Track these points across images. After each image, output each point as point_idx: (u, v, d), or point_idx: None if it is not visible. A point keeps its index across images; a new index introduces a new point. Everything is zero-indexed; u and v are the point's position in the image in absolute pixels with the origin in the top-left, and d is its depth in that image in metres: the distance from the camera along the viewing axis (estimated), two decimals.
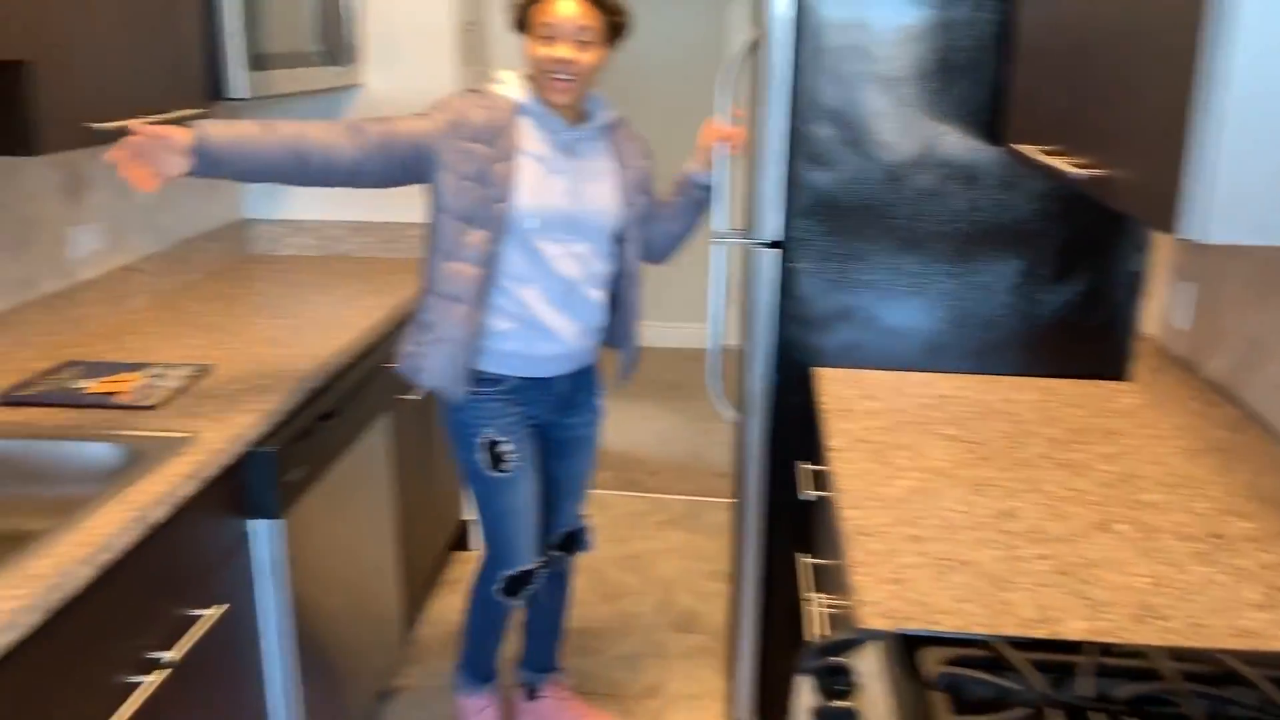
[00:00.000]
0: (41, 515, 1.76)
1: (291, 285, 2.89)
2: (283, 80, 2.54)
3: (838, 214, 2.17)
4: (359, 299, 2.74)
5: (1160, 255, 2.08)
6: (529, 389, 2.23)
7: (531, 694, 2.57)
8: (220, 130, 1.88)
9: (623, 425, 4.55)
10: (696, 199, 2.27)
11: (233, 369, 2.16)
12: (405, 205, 3.17)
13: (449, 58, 3.08)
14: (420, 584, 2.96)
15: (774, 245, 2.19)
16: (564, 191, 2.10)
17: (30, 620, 1.32)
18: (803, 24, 2.08)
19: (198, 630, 1.70)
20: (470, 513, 3.39)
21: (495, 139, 2.06)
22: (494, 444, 2.20)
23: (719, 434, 4.48)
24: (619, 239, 2.22)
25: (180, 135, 1.83)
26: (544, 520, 2.39)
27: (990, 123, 2.10)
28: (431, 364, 2.15)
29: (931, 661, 1.16)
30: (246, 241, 3.23)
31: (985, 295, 2.19)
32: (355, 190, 2.91)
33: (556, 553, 2.46)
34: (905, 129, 2.12)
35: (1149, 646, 1.18)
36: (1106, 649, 1.18)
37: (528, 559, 2.30)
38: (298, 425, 2.05)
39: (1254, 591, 1.35)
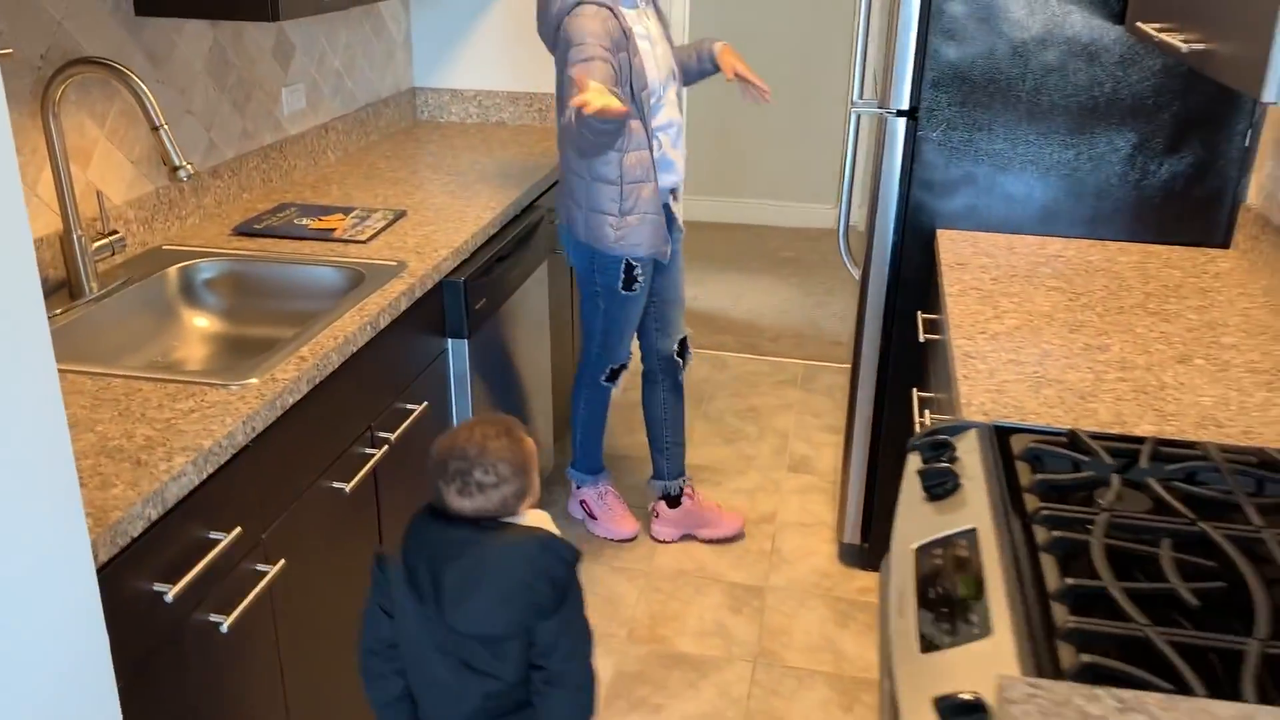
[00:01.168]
0: (286, 324, 2.15)
1: (458, 148, 3.22)
2: None
3: (965, 86, 2.37)
4: (519, 161, 3.05)
5: (1268, 132, 2.23)
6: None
7: (673, 501, 2.96)
8: None
9: (745, 296, 4.83)
10: (703, 72, 2.77)
11: (422, 215, 2.51)
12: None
13: None
14: (564, 410, 3.33)
15: (905, 114, 2.41)
16: (663, 53, 2.57)
17: (302, 389, 1.70)
18: None
19: (408, 421, 2.09)
20: None
21: (623, 40, 2.44)
22: (630, 268, 2.64)
23: (833, 306, 4.73)
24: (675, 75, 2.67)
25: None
26: (661, 331, 2.86)
27: (1115, 2, 2.26)
28: (644, 238, 2.59)
29: (1019, 443, 1.44)
30: (416, 108, 3.56)
31: (1099, 166, 2.37)
32: (511, 61, 3.31)
33: (677, 360, 2.91)
34: (1033, 7, 2.29)
35: (1204, 442, 1.43)
36: (1166, 442, 1.44)
37: (628, 354, 2.82)
38: (480, 263, 2.39)
39: None
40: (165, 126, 1.85)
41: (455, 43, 3.51)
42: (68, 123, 2.02)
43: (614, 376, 2.84)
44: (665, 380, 2.90)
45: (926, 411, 1.97)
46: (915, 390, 2.32)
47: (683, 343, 2.91)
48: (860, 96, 2.49)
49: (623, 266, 2.63)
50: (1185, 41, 1.66)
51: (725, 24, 5.42)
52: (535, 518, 1.56)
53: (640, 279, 2.66)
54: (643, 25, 2.52)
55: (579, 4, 2.43)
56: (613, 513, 2.98)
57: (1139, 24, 1.97)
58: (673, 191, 2.73)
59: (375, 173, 2.90)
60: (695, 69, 2.76)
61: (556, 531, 1.54)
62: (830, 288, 4.95)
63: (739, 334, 4.41)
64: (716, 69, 2.72)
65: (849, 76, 5.24)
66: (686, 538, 2.98)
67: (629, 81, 2.44)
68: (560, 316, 3.12)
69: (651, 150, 2.52)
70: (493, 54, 3.49)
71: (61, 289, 1.99)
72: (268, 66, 2.68)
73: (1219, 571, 1.14)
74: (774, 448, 3.51)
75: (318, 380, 1.75)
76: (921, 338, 2.23)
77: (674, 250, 2.80)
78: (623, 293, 2.67)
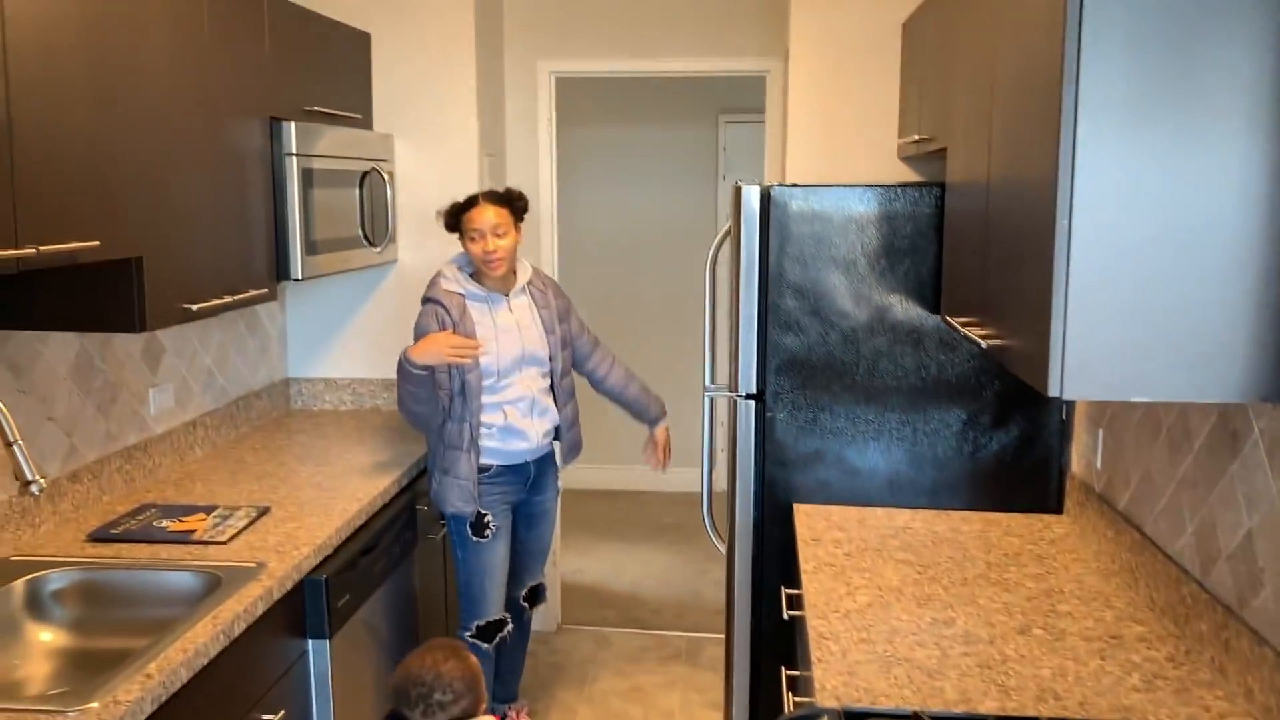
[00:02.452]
0: (139, 634, 2.08)
1: (329, 437, 3.25)
2: (332, 261, 2.97)
3: (806, 371, 2.55)
4: (390, 447, 3.10)
5: (1080, 405, 2.45)
6: (507, 473, 2.87)
7: None
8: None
9: (627, 566, 4.84)
10: (636, 415, 3.16)
11: (286, 510, 2.51)
12: None
13: None
14: None
15: (753, 397, 2.57)
16: (511, 341, 2.80)
17: (145, 710, 1.63)
18: (770, 216, 2.51)
19: None
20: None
21: (457, 328, 2.74)
22: (480, 516, 2.81)
23: (716, 573, 4.76)
24: (551, 359, 2.92)
25: None
26: (514, 577, 3.04)
27: (932, 295, 2.51)
28: (451, 497, 2.79)
29: None
30: (290, 398, 3.61)
31: (935, 440, 2.55)
32: (386, 349, 3.51)
33: (524, 604, 3.12)
34: (859, 300, 2.52)
35: (1039, 716, 1.49)
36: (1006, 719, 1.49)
37: (497, 610, 2.90)
38: (343, 558, 2.38)
39: (1137, 678, 1.67)
40: (20, 442, 1.85)
41: (330, 333, 3.63)
42: None
43: (485, 635, 2.88)
44: (511, 621, 3.02)
45: (792, 693, 1.99)
46: (784, 669, 2.34)
47: (535, 589, 3.14)
48: (712, 381, 2.65)
49: (471, 515, 2.80)
50: (984, 337, 1.86)
51: (599, 284, 5.74)
52: None
53: (492, 527, 2.83)
54: (494, 317, 2.80)
55: (425, 300, 2.77)
56: None
57: (948, 317, 2.19)
58: (555, 446, 3.02)
59: (243, 467, 2.90)
60: (633, 408, 3.12)
61: None
62: (710, 554, 5.00)
63: (622, 608, 4.38)
64: (649, 425, 3.16)
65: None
66: None
67: (453, 367, 2.71)
68: (431, 606, 3.08)
69: (474, 425, 2.74)
70: (366, 343, 3.61)
71: None
72: (136, 369, 2.72)
73: None
74: None
75: (164, 699, 1.68)
76: (785, 614, 2.28)
77: (548, 509, 3.08)
78: (473, 539, 2.82)
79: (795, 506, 2.55)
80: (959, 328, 2.03)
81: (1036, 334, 1.56)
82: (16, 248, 1.78)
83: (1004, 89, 1.80)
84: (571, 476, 5.81)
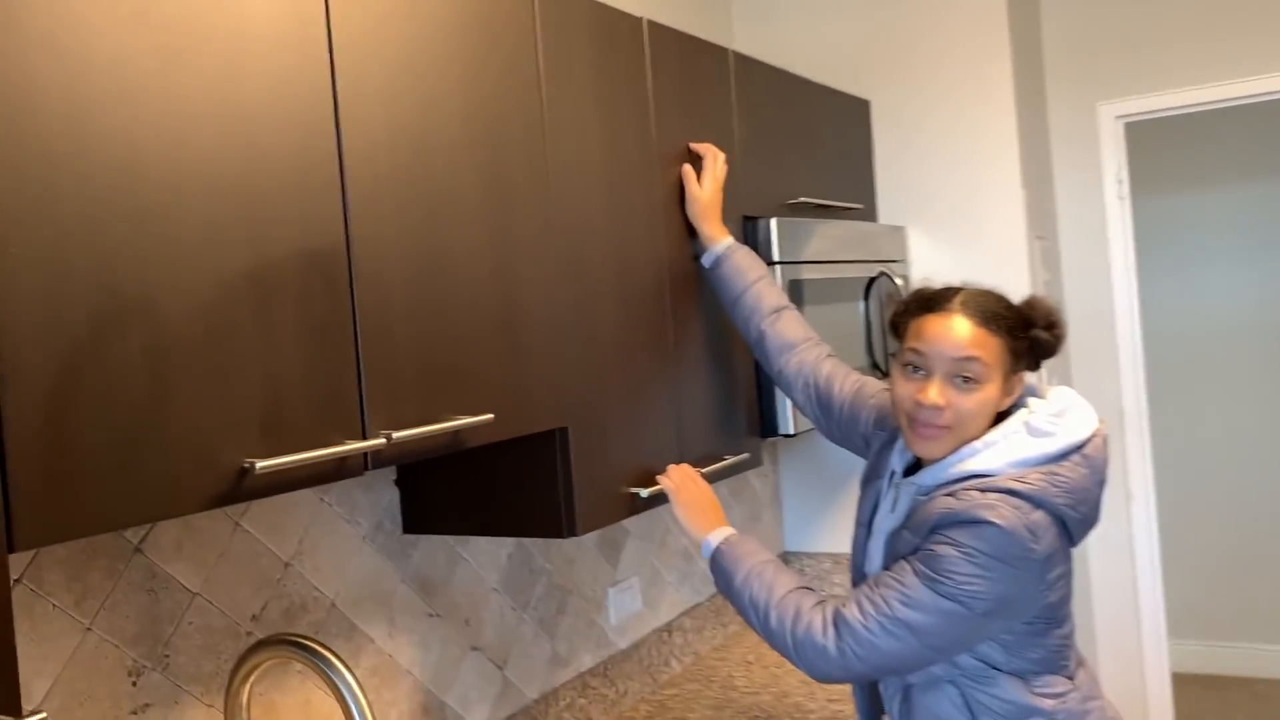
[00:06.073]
0: None
1: None
2: None
3: None
4: None
5: None
6: None
7: None
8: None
9: None
10: None
11: None
12: None
13: None
14: None
15: None
16: (858, 549, 1.55)
17: None
18: None
19: None
20: None
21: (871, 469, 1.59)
22: None
23: None
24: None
25: None
26: None
27: None
28: None
29: None
30: None
31: None
32: None
33: None
34: None
35: None
36: None
37: None
38: None
39: None
40: None
41: (834, 496, 2.78)
42: (287, 702, 1.43)
43: None
44: None
45: None
46: None
47: None
48: None
49: None
50: None
51: (1196, 404, 4.35)
52: None
53: None
54: (880, 497, 1.54)
55: None
56: None
57: None
58: None
59: (731, 693, 2.10)
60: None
61: None
62: None
63: None
64: None
65: None
66: None
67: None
68: None
69: None
70: None
71: None
72: (590, 564, 2.06)
73: None
74: None
75: None
76: None
77: None
78: None
79: None
80: None
81: None
82: (362, 438, 1.14)
83: None
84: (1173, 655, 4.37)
